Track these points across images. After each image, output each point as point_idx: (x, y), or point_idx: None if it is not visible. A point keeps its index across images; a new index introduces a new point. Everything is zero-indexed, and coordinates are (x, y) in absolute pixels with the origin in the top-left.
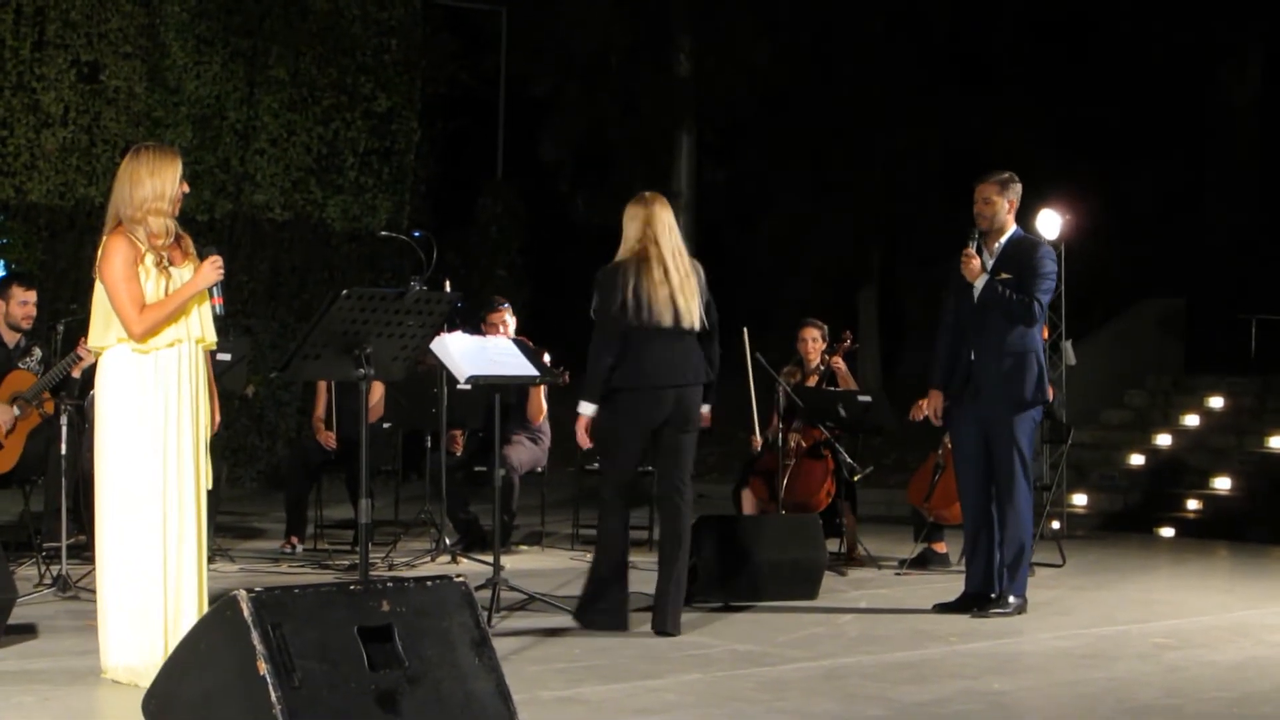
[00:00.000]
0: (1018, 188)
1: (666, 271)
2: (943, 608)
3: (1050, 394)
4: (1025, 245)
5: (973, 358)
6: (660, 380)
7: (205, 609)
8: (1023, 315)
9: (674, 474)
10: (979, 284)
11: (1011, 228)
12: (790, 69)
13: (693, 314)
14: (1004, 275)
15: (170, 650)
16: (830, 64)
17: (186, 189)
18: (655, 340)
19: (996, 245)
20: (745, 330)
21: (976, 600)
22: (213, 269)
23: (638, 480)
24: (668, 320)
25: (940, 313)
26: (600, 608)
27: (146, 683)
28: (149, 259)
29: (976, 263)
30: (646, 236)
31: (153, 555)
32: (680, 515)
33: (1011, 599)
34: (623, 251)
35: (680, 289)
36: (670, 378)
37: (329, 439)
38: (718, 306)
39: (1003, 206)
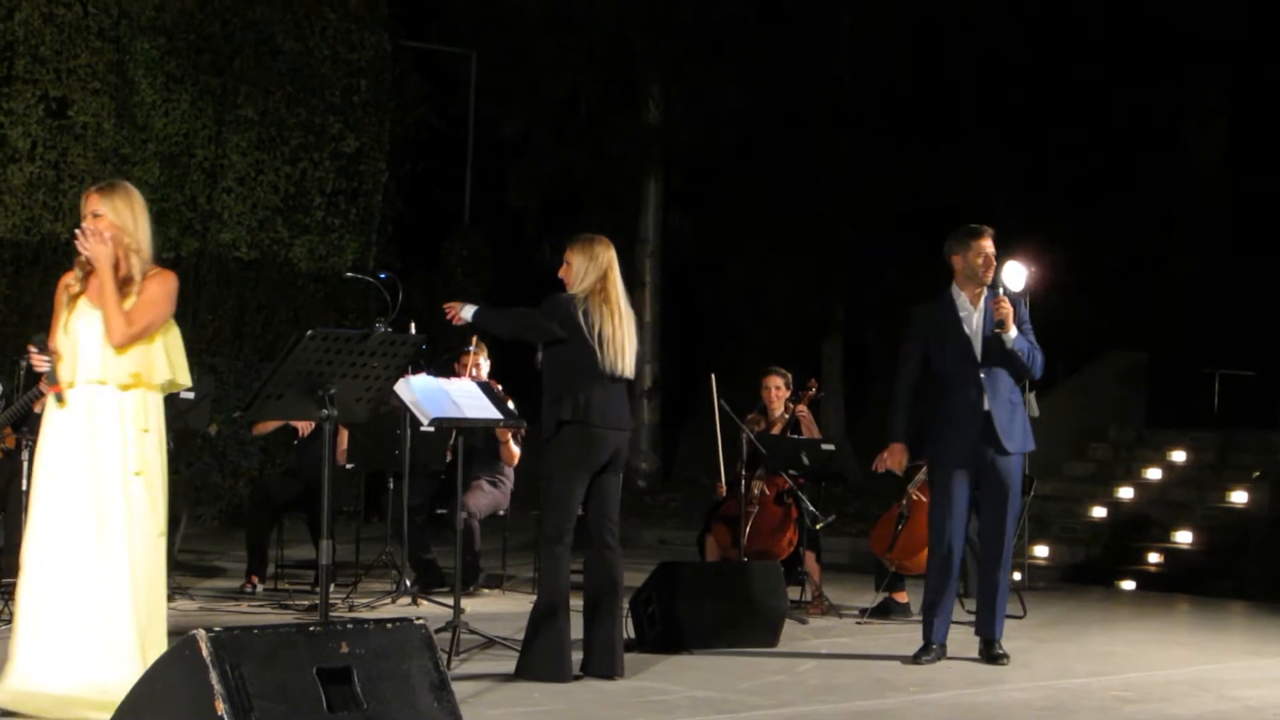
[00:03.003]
0: None
1: (621, 319)
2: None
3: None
4: (1011, 298)
5: (987, 408)
6: (605, 422)
7: (147, 644)
8: (1040, 364)
9: (605, 518)
10: (1010, 335)
11: None
12: (758, 118)
13: (631, 365)
14: (996, 328)
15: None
16: (797, 114)
17: (85, 214)
18: (600, 383)
19: (981, 299)
20: (713, 376)
21: (943, 649)
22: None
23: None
24: (618, 368)
25: (902, 364)
26: (541, 657)
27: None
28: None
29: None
30: (608, 280)
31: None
32: (614, 566)
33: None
34: (579, 289)
35: (627, 340)
36: (613, 421)
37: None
38: (683, 352)
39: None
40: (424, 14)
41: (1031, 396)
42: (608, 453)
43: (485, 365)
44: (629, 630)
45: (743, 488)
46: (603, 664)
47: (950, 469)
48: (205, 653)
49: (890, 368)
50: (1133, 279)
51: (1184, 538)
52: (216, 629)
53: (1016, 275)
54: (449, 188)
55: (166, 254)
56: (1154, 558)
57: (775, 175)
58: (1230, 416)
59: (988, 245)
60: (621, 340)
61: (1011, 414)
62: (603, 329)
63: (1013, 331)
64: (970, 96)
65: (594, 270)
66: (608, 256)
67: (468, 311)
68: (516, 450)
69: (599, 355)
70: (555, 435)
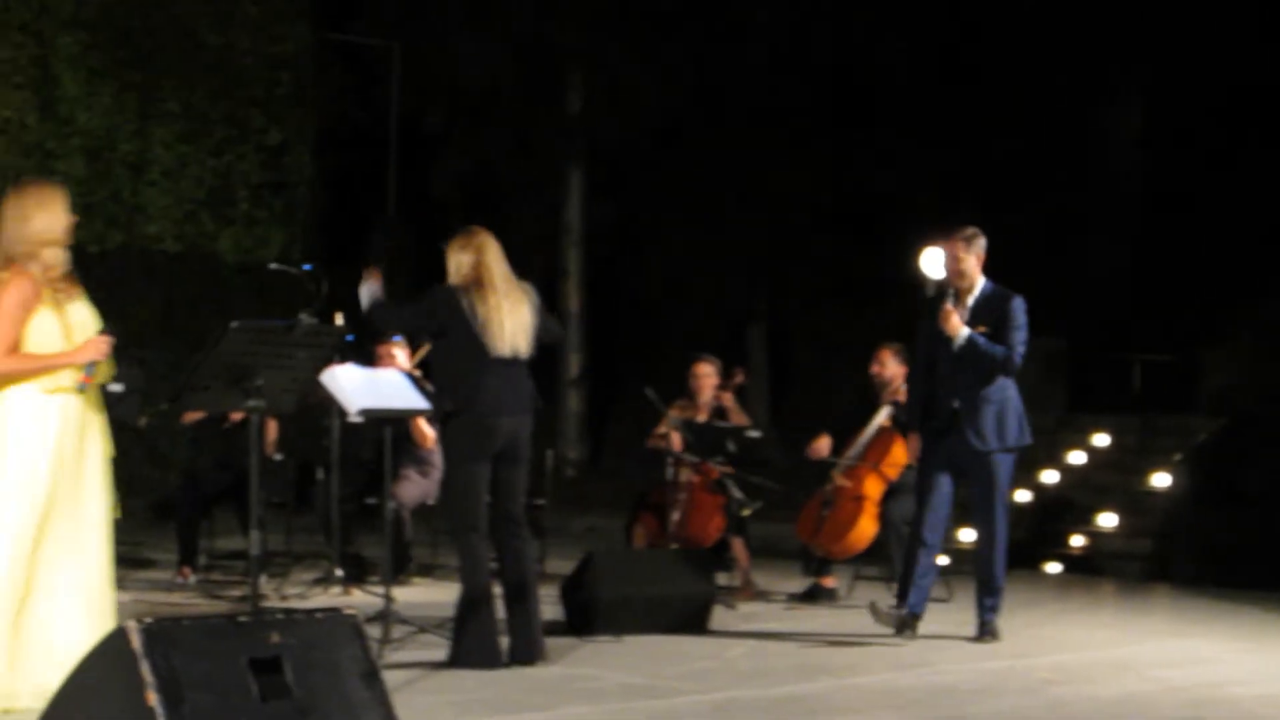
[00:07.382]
0: (982, 242)
1: (500, 299)
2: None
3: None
4: (998, 298)
5: (955, 406)
6: (495, 410)
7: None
8: (1004, 368)
9: (508, 508)
10: (960, 338)
11: (981, 281)
12: (680, 107)
13: (524, 344)
14: (981, 329)
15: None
16: (719, 102)
17: (75, 219)
18: (489, 370)
19: (970, 300)
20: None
21: (915, 619)
22: (95, 347)
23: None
24: (505, 349)
25: (916, 358)
26: (470, 646)
27: None
28: (46, 296)
29: (956, 318)
30: (480, 264)
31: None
32: (523, 555)
33: (995, 624)
34: (458, 279)
35: (511, 318)
36: (505, 408)
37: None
38: (609, 340)
39: (970, 262)
40: (346, 7)
41: None
42: (501, 439)
43: (401, 355)
44: (561, 616)
45: (670, 475)
46: (523, 650)
47: (925, 459)
48: (136, 644)
49: (814, 354)
50: (1051, 265)
51: (1107, 520)
52: (147, 620)
53: (935, 262)
54: (374, 180)
55: (92, 248)
56: (1077, 540)
57: (698, 164)
58: (1150, 401)
59: (950, 250)
60: (504, 321)
61: (980, 413)
62: (485, 314)
63: (961, 334)
64: (888, 85)
65: (467, 258)
66: (478, 242)
67: (366, 301)
68: (429, 431)
69: (484, 340)
70: (445, 428)
